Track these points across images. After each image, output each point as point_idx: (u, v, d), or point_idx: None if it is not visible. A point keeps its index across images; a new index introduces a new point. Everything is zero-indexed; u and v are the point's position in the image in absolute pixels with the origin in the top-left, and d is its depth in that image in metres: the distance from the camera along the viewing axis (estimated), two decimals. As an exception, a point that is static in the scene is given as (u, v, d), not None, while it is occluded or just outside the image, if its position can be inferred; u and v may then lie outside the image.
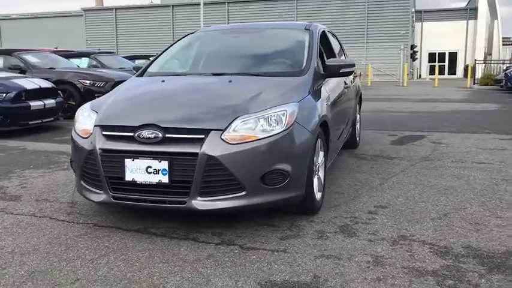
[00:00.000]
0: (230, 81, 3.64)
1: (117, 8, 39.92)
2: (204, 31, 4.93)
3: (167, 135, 2.99)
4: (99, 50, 20.14)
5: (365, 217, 3.49)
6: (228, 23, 36.66)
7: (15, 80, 7.81)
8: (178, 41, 4.77)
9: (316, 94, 3.71)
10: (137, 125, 3.07)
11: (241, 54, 4.41)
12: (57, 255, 2.86)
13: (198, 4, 35.05)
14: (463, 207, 3.70)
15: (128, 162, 3.02)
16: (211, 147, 2.91)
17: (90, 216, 3.55)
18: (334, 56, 4.95)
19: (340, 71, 4.03)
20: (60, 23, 41.77)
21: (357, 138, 6.13)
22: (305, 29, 4.52)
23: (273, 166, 3.03)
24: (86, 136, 3.24)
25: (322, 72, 4.01)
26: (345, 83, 4.84)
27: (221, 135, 2.95)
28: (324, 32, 4.81)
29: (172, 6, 38.41)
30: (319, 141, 3.52)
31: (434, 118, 9.74)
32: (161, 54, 4.57)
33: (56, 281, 2.51)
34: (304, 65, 3.92)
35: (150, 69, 4.27)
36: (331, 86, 4.20)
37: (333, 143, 4.13)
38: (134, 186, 3.04)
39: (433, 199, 3.91)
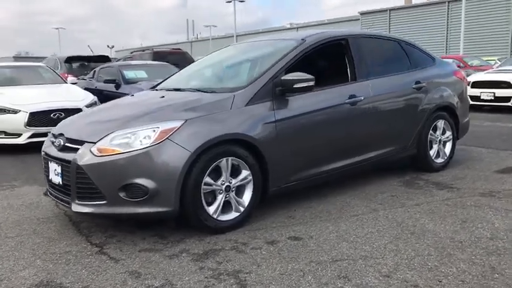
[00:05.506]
0: (162, 97, 3.90)
1: (390, 9, 40.03)
2: (230, 45, 5.13)
3: (66, 144, 3.55)
4: None
5: (253, 246, 3.25)
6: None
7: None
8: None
9: (244, 112, 3.60)
10: (57, 133, 3.72)
11: (217, 69, 4.50)
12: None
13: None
14: (376, 253, 3.00)
15: (49, 164, 3.70)
16: (80, 157, 3.33)
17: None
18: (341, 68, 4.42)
19: (294, 86, 3.73)
20: (339, 28, 44.55)
21: (435, 161, 5.14)
22: (301, 39, 4.24)
23: (131, 180, 3.22)
24: (51, 140, 4.05)
25: (280, 87, 3.79)
26: (352, 98, 4.25)
27: (91, 147, 3.32)
28: (328, 42, 4.35)
29: (448, 2, 36.12)
30: (227, 159, 3.44)
31: None
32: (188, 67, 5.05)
33: None
34: (247, 80, 3.81)
35: (161, 84, 4.79)
36: (299, 103, 3.88)
37: (289, 162, 3.82)
38: (53, 184, 3.70)
39: (368, 239, 3.25)
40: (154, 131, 3.28)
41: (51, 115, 7.43)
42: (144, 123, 3.37)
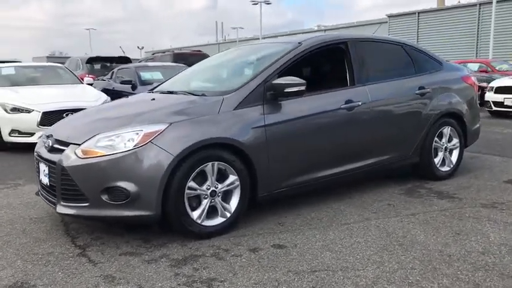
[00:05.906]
0: (153, 99, 3.88)
1: (419, 12, 39.28)
2: (232, 48, 5.07)
3: (54, 145, 3.56)
4: None
5: (235, 253, 3.19)
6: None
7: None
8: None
9: (232, 116, 3.54)
10: (47, 134, 3.74)
11: (213, 72, 4.46)
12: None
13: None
14: (358, 264, 2.89)
15: (39, 164, 3.72)
16: (65, 158, 3.33)
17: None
18: (341, 73, 4.31)
19: (285, 91, 3.66)
20: (366, 31, 43.95)
21: (440, 169, 4.96)
22: (298, 43, 4.15)
23: (113, 183, 3.20)
24: (44, 141, 4.08)
25: (271, 92, 3.72)
26: (349, 103, 4.14)
27: (75, 149, 3.32)
28: (326, 46, 4.25)
29: (479, 4, 35.16)
30: (212, 164, 3.39)
31: None
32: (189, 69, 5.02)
33: None
34: (238, 83, 3.75)
35: (159, 86, 4.77)
36: (292, 108, 3.80)
37: (280, 167, 3.74)
38: (42, 184, 3.72)
39: (353, 250, 3.14)
40: (137, 133, 3.26)
41: (64, 115, 7.50)
42: (129, 126, 3.35)
